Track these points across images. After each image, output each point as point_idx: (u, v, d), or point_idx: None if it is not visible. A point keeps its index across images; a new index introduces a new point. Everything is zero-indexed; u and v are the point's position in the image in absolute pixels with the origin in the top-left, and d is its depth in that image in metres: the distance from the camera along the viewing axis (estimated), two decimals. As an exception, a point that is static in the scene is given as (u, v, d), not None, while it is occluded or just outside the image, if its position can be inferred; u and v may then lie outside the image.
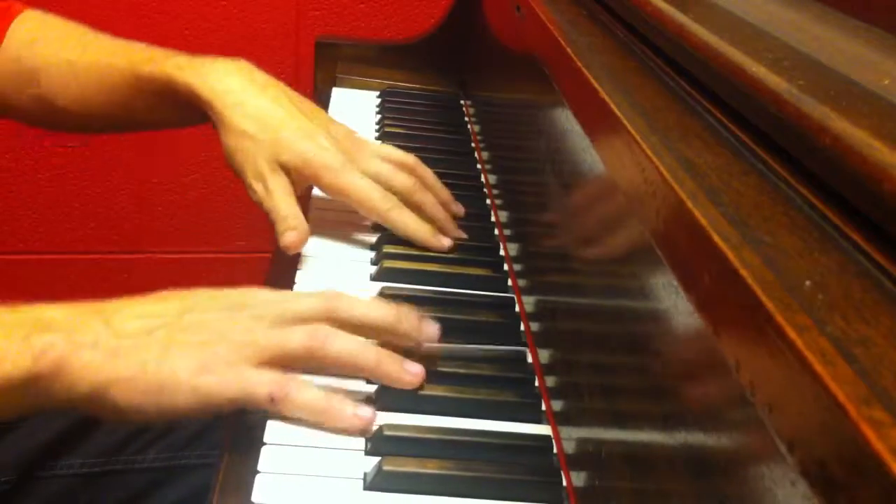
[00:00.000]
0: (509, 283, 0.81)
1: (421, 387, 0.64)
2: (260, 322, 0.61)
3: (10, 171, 1.63)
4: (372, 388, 0.64)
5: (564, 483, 0.59)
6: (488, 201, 0.97)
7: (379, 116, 1.17)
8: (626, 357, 0.53)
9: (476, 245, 0.86)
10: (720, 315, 0.37)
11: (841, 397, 0.28)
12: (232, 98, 0.82)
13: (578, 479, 0.58)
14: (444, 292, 0.77)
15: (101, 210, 1.67)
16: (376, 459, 0.57)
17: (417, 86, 1.30)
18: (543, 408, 0.65)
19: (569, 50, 0.66)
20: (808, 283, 0.34)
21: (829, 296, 0.33)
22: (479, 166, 1.06)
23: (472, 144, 1.12)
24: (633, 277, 0.51)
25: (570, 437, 0.60)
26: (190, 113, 0.85)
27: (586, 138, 0.61)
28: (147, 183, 1.67)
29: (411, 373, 0.63)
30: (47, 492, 0.82)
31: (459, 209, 0.89)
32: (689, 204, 0.41)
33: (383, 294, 0.75)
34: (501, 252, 0.87)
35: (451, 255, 0.83)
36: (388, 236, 0.83)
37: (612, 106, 0.54)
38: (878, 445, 0.26)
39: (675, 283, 0.43)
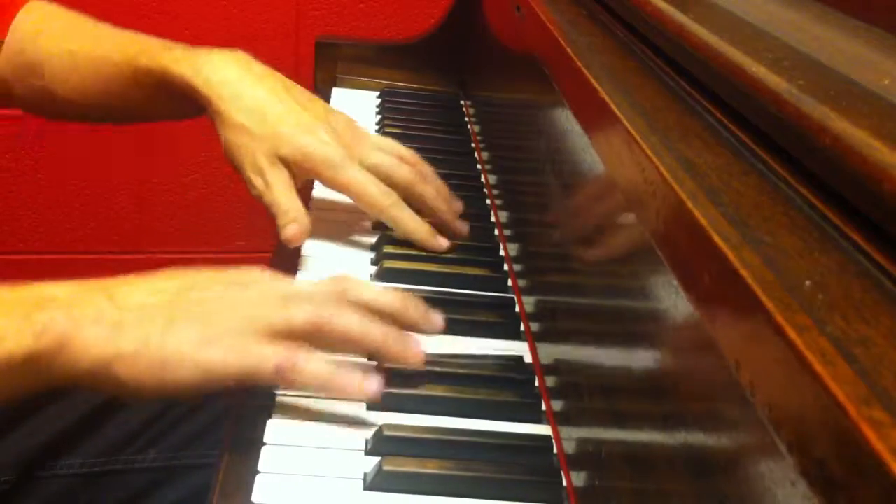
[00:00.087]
0: (509, 283, 0.81)
1: (421, 386, 0.64)
2: (266, 298, 0.60)
3: (10, 171, 1.63)
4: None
5: (564, 483, 0.59)
6: (488, 201, 0.97)
7: (379, 116, 1.17)
8: (626, 357, 0.53)
9: (476, 245, 0.86)
10: (720, 315, 0.37)
11: (841, 397, 0.28)
12: (228, 90, 0.81)
13: (578, 479, 0.58)
14: (444, 292, 0.77)
15: (101, 210, 1.67)
16: (376, 459, 0.57)
17: (417, 86, 1.30)
18: (543, 408, 0.65)
19: (569, 50, 0.66)
20: (808, 283, 0.34)
21: (829, 296, 0.33)
22: (479, 166, 1.06)
23: (472, 144, 1.12)
24: (633, 277, 0.51)
25: (570, 437, 0.60)
26: (187, 105, 0.84)
27: (586, 138, 0.61)
28: (147, 183, 1.67)
29: (415, 353, 0.63)
30: (47, 492, 0.82)
31: (458, 205, 0.89)
32: (689, 204, 0.41)
33: (383, 294, 0.75)
34: (501, 252, 0.87)
35: (451, 256, 0.83)
36: (387, 237, 0.83)
37: (612, 106, 0.54)
38: (878, 445, 0.26)
39: (675, 282, 0.43)
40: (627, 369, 0.52)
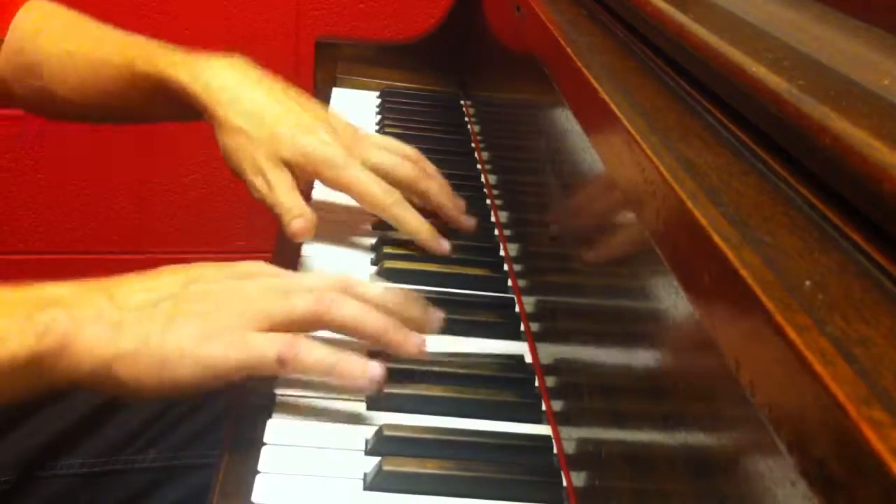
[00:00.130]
0: (509, 283, 0.81)
1: (421, 386, 0.64)
2: (266, 291, 0.60)
3: (10, 171, 1.63)
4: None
5: (564, 483, 0.59)
6: (488, 201, 0.97)
7: (379, 116, 1.17)
8: (626, 357, 0.53)
9: (476, 245, 0.86)
10: (720, 315, 0.37)
11: (841, 397, 0.28)
12: (226, 95, 0.81)
13: (578, 479, 0.58)
14: (444, 292, 0.77)
15: (101, 210, 1.67)
16: (376, 459, 0.57)
17: (417, 86, 1.30)
18: (543, 408, 0.66)
19: (569, 50, 0.66)
20: (808, 283, 0.34)
21: (829, 296, 0.33)
22: (479, 166, 1.06)
23: (472, 144, 1.12)
24: (633, 277, 0.51)
25: (570, 437, 0.60)
26: (186, 110, 0.84)
27: (586, 138, 0.61)
28: (147, 183, 1.67)
29: (416, 343, 0.62)
30: (47, 492, 0.82)
31: (461, 203, 0.89)
32: (689, 204, 0.41)
33: (383, 294, 0.75)
34: (501, 252, 0.87)
35: (451, 256, 0.83)
36: (388, 237, 0.83)
37: (612, 106, 0.54)
38: (878, 445, 0.26)
39: (675, 282, 0.43)
40: (627, 369, 0.52)
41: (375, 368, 0.59)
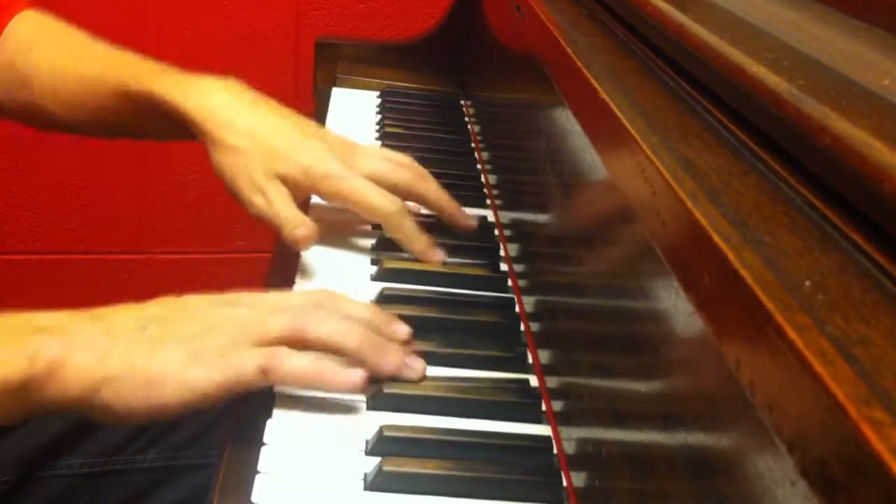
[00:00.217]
0: (509, 283, 0.81)
1: (422, 386, 0.64)
2: (250, 314, 0.62)
3: (10, 171, 1.63)
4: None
5: (564, 483, 0.59)
6: (488, 201, 0.97)
7: (379, 117, 1.17)
8: (626, 357, 0.53)
9: (476, 245, 0.86)
10: (720, 315, 0.37)
11: (841, 397, 0.28)
12: (221, 116, 0.81)
13: (578, 479, 0.58)
14: (444, 293, 0.77)
15: (101, 210, 1.67)
16: (376, 460, 0.57)
17: (417, 86, 1.30)
18: (543, 408, 0.65)
19: (569, 50, 0.66)
20: (808, 283, 0.34)
21: (829, 296, 0.33)
22: (479, 166, 1.06)
23: (472, 144, 1.12)
24: (633, 278, 0.51)
25: (571, 438, 0.60)
26: (178, 130, 0.84)
27: (586, 138, 0.61)
28: (147, 183, 1.67)
29: (392, 363, 0.64)
30: (47, 492, 0.82)
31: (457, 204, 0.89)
32: (689, 204, 0.41)
33: (384, 294, 0.75)
34: (501, 252, 0.87)
35: (451, 256, 0.83)
36: (387, 237, 0.83)
37: (612, 106, 0.54)
38: (878, 445, 0.26)
39: (675, 283, 0.43)
40: (627, 369, 0.52)
41: (356, 374, 0.61)
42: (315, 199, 0.88)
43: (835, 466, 0.28)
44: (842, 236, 0.38)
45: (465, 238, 0.86)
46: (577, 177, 0.66)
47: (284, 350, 0.60)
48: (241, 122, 0.81)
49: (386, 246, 0.83)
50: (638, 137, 0.49)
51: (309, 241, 0.78)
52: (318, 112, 1.18)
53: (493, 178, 1.00)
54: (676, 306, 0.44)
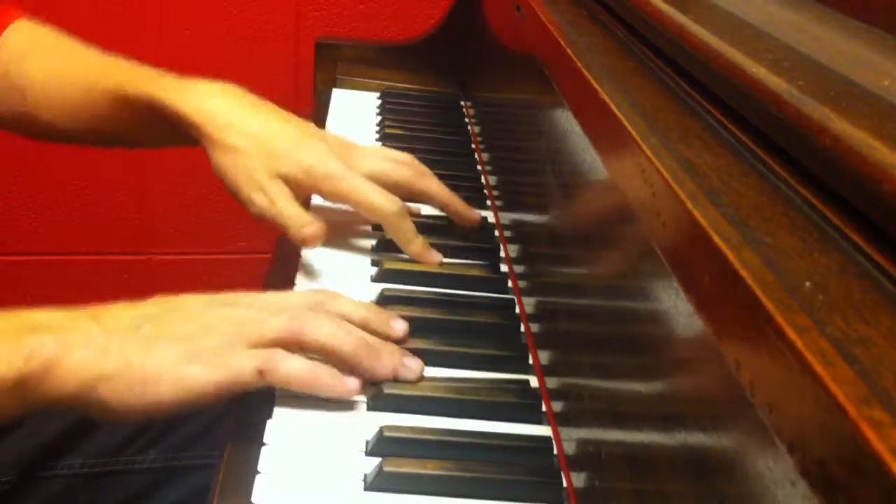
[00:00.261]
0: (509, 284, 0.81)
1: (422, 387, 0.64)
2: (245, 314, 0.62)
3: (10, 171, 1.63)
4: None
5: (565, 484, 0.59)
6: (488, 202, 0.97)
7: (379, 117, 1.17)
8: (626, 358, 0.53)
9: (476, 246, 0.86)
10: (720, 316, 0.37)
11: (841, 397, 0.28)
12: (220, 118, 0.81)
13: (579, 479, 0.58)
14: (444, 294, 0.77)
15: (101, 210, 1.67)
16: (377, 460, 0.57)
17: (417, 87, 1.30)
18: (543, 409, 0.66)
19: (569, 50, 0.66)
20: (808, 283, 0.34)
21: (829, 296, 0.33)
22: (479, 167, 1.06)
23: (472, 145, 1.12)
24: (633, 278, 0.51)
25: (571, 438, 0.60)
26: (177, 134, 0.84)
27: (586, 139, 0.61)
28: (147, 183, 1.67)
29: (387, 367, 0.64)
30: (47, 492, 0.82)
31: None
32: (689, 204, 0.41)
33: (384, 295, 0.75)
34: (501, 253, 0.87)
35: (451, 257, 0.83)
36: (388, 238, 0.83)
37: (612, 107, 0.54)
38: (878, 445, 0.26)
39: (675, 283, 0.43)
40: (627, 370, 0.52)
41: (351, 383, 0.61)
42: (315, 201, 0.88)
43: (835, 466, 0.28)
44: (842, 237, 0.38)
45: (465, 239, 0.86)
46: (578, 177, 0.66)
47: (282, 353, 0.60)
48: (241, 123, 0.81)
49: (386, 247, 0.83)
50: (638, 138, 0.49)
51: (317, 240, 0.78)
52: (318, 113, 1.18)
53: (493, 179, 1.00)
54: (676, 307, 0.44)
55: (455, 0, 1.31)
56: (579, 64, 0.63)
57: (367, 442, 0.59)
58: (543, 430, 0.64)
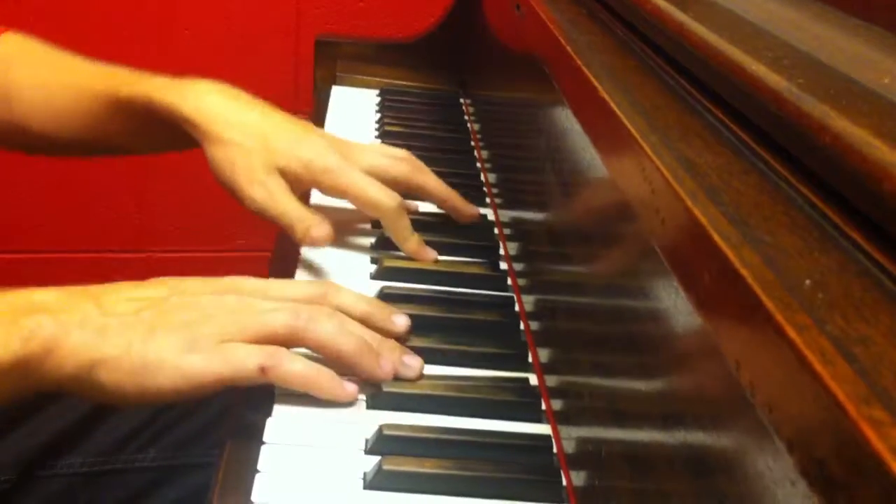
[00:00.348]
0: (509, 282, 0.81)
1: (421, 385, 0.64)
2: (247, 304, 0.62)
3: (10, 170, 1.63)
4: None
5: (564, 483, 0.59)
6: (488, 200, 0.97)
7: (379, 115, 1.17)
8: (625, 356, 0.53)
9: (476, 244, 0.86)
10: (720, 314, 0.37)
11: (841, 397, 0.28)
12: (218, 115, 0.81)
13: (578, 478, 0.57)
14: (444, 291, 0.77)
15: (101, 208, 1.67)
16: (376, 459, 0.57)
17: (417, 84, 1.30)
18: (543, 407, 0.65)
19: (569, 49, 0.66)
20: (808, 282, 0.34)
21: (829, 295, 0.33)
22: (478, 165, 1.06)
23: (472, 143, 1.12)
24: (633, 277, 0.51)
25: (570, 437, 0.60)
26: (170, 136, 0.83)
27: (586, 137, 0.61)
28: (147, 182, 1.67)
29: (387, 367, 0.64)
30: (47, 491, 0.82)
31: None
32: (689, 203, 0.41)
33: (384, 293, 0.75)
34: (501, 251, 0.87)
35: (450, 254, 0.83)
36: (387, 235, 0.83)
37: (612, 105, 0.54)
38: (878, 445, 0.26)
39: (675, 282, 0.43)
40: (627, 368, 0.52)
41: (350, 388, 0.61)
42: (314, 199, 0.88)
43: (835, 466, 0.28)
44: (842, 235, 0.38)
45: (464, 237, 0.86)
46: (577, 175, 0.65)
47: (285, 352, 0.60)
48: (238, 119, 0.81)
49: (386, 244, 0.83)
50: (638, 136, 0.49)
51: (327, 240, 0.77)
52: (317, 110, 1.18)
53: (492, 177, 1.00)
54: (676, 305, 0.43)
55: (455, -1, 1.31)
56: (579, 62, 0.62)
57: (367, 440, 0.59)
58: (543, 429, 0.64)
